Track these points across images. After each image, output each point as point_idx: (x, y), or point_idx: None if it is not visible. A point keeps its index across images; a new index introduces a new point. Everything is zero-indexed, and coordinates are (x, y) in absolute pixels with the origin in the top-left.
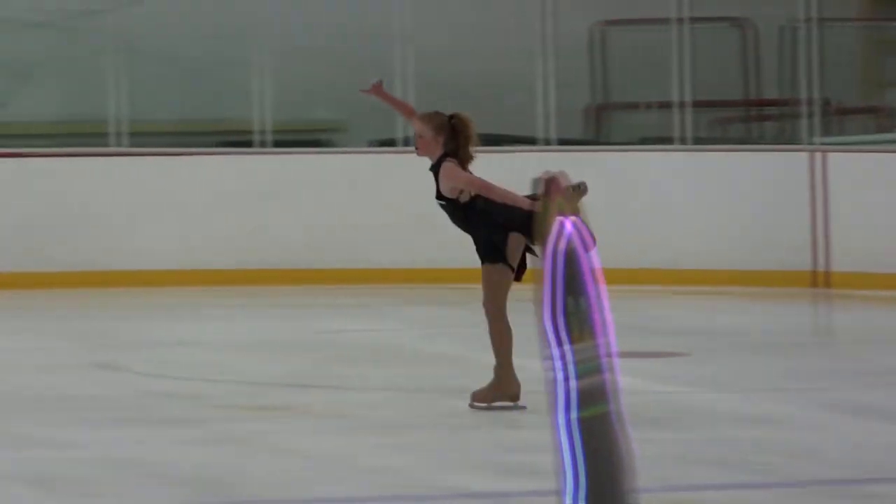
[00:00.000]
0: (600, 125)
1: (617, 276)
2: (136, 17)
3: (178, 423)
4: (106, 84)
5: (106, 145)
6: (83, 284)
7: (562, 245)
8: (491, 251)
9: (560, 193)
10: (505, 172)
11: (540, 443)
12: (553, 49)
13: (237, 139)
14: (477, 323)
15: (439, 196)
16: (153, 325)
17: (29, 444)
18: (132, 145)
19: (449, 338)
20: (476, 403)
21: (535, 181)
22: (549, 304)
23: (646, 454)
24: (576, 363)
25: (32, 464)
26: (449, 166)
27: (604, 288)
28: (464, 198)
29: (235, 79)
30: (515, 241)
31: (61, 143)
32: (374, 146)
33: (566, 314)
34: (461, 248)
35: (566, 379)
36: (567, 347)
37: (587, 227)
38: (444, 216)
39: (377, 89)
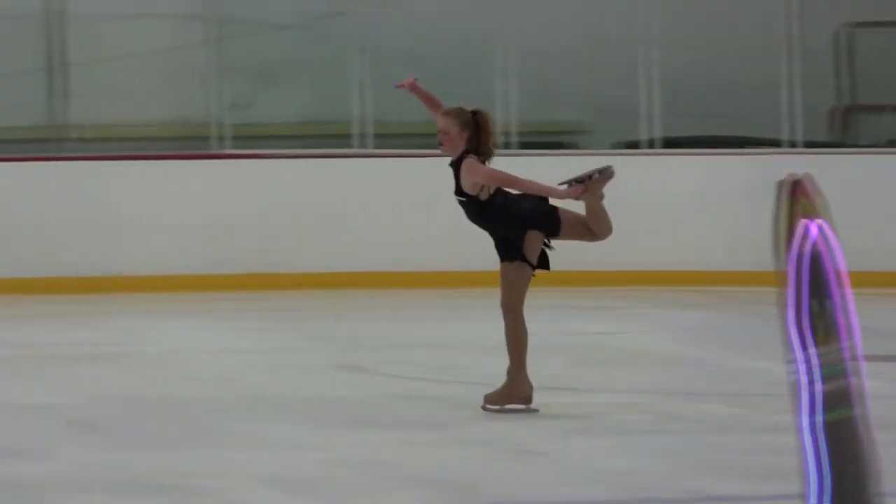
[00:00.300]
0: (847, 127)
1: (860, 279)
2: (382, 18)
3: (421, 425)
4: (350, 85)
5: (350, 146)
6: (327, 286)
7: (807, 247)
8: (508, 249)
9: (805, 196)
10: (750, 174)
11: (782, 445)
12: (799, 50)
13: None
14: (727, 326)
15: (458, 192)
16: (398, 327)
17: (273, 445)
18: (376, 147)
19: (698, 340)
20: (488, 406)
21: (780, 183)
22: (793, 306)
23: (891, 458)
24: (821, 366)
25: (275, 465)
26: (471, 162)
27: (849, 291)
28: (483, 195)
29: (480, 80)
30: (534, 238)
31: (306, 145)
32: (618, 148)
33: (811, 317)
34: (712, 248)
35: (810, 382)
36: (812, 351)
37: (605, 213)
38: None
39: (412, 84)
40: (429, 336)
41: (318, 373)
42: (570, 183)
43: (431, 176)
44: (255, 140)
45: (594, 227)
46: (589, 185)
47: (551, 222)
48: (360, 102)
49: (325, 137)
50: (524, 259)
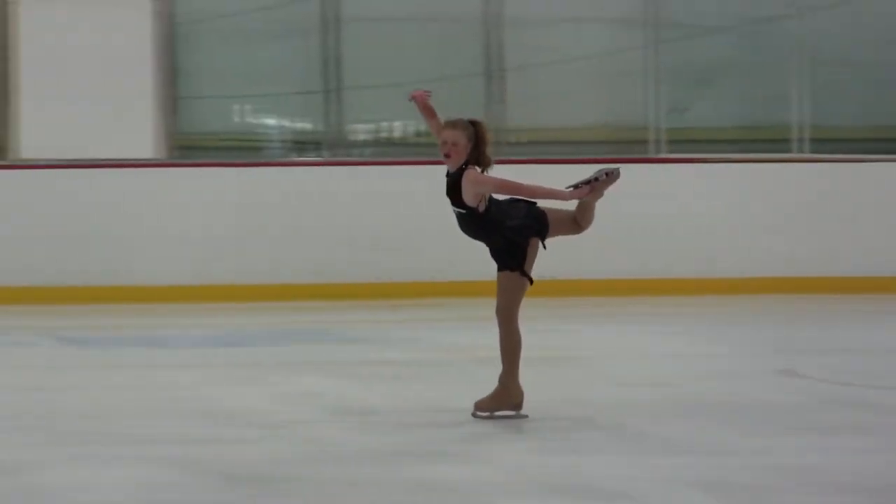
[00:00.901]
0: None
1: None
2: (822, 22)
3: (856, 431)
4: (788, 90)
5: (787, 151)
6: (754, 290)
7: None
8: (506, 259)
9: None
10: None
11: None
12: None
13: None
14: None
15: (457, 204)
16: (828, 332)
17: (703, 450)
18: (813, 151)
19: None
20: (479, 413)
21: None
22: None
23: None
24: None
25: (703, 470)
26: (474, 173)
27: None
28: (481, 206)
29: None
30: (533, 246)
31: (742, 149)
32: None
33: None
34: None
35: None
36: None
37: (591, 210)
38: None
39: (422, 98)
40: (864, 341)
41: (757, 378)
42: (576, 185)
43: (873, 181)
44: (690, 144)
45: (580, 220)
46: (595, 185)
47: (544, 226)
48: (798, 107)
49: (761, 142)
50: (523, 271)
